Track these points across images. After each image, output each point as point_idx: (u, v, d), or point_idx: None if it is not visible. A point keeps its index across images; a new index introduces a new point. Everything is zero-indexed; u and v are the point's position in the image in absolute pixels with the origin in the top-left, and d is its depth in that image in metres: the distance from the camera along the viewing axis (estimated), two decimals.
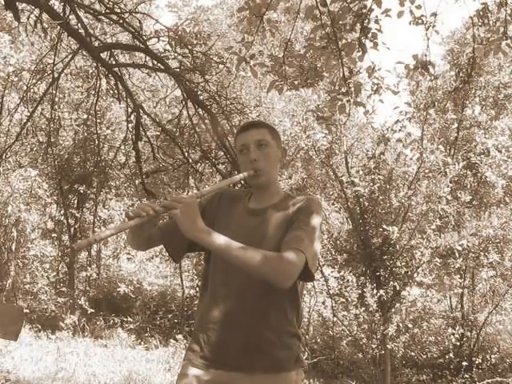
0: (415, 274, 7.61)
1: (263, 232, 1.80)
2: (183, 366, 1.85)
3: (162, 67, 4.98)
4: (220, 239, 1.64)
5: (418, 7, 3.82)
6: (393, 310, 7.83)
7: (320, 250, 1.84)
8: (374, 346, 8.17)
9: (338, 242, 8.12)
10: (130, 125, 5.64)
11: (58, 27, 4.84)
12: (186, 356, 1.87)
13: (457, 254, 7.45)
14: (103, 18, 5.38)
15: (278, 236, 1.76)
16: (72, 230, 9.74)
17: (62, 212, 9.76)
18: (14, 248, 9.15)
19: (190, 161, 6.73)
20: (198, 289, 10.07)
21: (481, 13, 3.94)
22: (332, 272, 8.62)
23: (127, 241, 1.94)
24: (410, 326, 8.22)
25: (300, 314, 1.85)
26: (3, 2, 4.33)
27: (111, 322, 9.22)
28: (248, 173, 1.85)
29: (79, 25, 4.90)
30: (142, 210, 1.64)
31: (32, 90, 5.95)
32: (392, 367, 7.97)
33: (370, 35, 3.67)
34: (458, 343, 8.77)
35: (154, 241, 1.91)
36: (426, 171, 7.62)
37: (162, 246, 1.98)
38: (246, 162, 1.86)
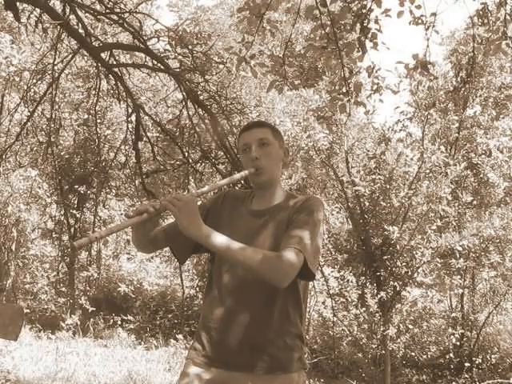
0: (415, 274, 7.61)
1: (265, 233, 1.80)
2: (185, 365, 1.85)
3: (162, 67, 4.98)
4: (219, 238, 1.64)
5: (418, 7, 3.82)
6: (393, 311, 7.83)
7: (321, 249, 1.83)
8: (374, 346, 8.17)
9: (338, 241, 8.12)
10: (130, 125, 5.65)
11: (58, 27, 4.84)
12: (188, 355, 1.87)
13: (457, 255, 7.44)
14: (103, 17, 5.38)
15: (279, 236, 1.75)
16: (72, 229, 9.75)
17: (62, 212, 9.76)
18: (14, 248, 9.16)
19: (190, 161, 6.73)
20: (198, 289, 10.09)
21: (481, 13, 3.94)
22: (332, 272, 8.62)
23: (133, 243, 1.95)
24: (411, 326, 8.22)
25: (303, 314, 1.84)
26: (3, 2, 4.33)
27: (111, 321, 9.22)
28: (249, 171, 1.85)
29: (79, 25, 4.90)
30: (142, 208, 1.65)
31: (32, 90, 5.96)
32: (392, 367, 7.97)
33: (369, 35, 3.66)
34: (458, 343, 8.77)
35: (159, 242, 1.91)
36: (427, 171, 7.62)
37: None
38: (247, 160, 1.87)
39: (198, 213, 1.65)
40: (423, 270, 7.75)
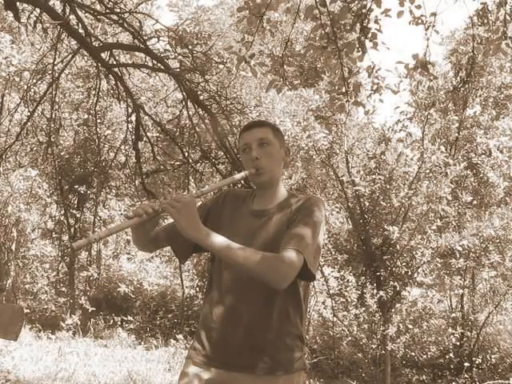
0: (415, 274, 7.61)
1: (266, 233, 1.79)
2: (185, 365, 1.85)
3: (162, 67, 4.98)
4: (218, 239, 1.63)
5: (418, 7, 3.82)
6: (393, 311, 7.83)
7: (321, 249, 1.83)
8: (374, 346, 8.17)
9: (338, 241, 8.12)
10: (130, 125, 5.65)
11: (58, 27, 4.84)
12: (188, 354, 1.87)
13: (457, 255, 7.44)
14: (103, 17, 5.38)
15: (280, 236, 1.74)
16: (72, 229, 9.75)
17: (62, 212, 9.76)
18: (14, 248, 9.16)
19: (190, 161, 6.74)
20: (198, 289, 10.09)
21: (480, 13, 3.94)
22: (332, 272, 8.62)
23: (133, 243, 1.94)
24: (411, 326, 8.22)
25: (304, 315, 1.84)
26: (3, 2, 4.33)
27: (111, 321, 9.22)
28: (249, 171, 1.84)
29: (79, 25, 4.90)
30: (141, 209, 1.65)
31: (32, 90, 5.96)
32: (392, 367, 7.97)
33: (369, 35, 3.66)
34: (458, 343, 8.77)
35: (160, 242, 1.91)
36: (427, 171, 7.62)
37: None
38: (248, 160, 1.86)
39: (197, 214, 1.65)
40: (423, 270, 7.75)
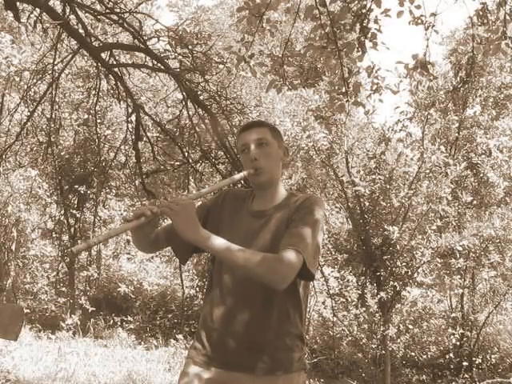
0: (415, 274, 7.62)
1: (266, 234, 1.79)
2: (185, 364, 1.85)
3: (162, 67, 4.98)
4: (217, 241, 1.64)
5: (418, 7, 3.82)
6: (393, 311, 7.83)
7: (321, 249, 1.82)
8: (374, 346, 8.17)
9: (338, 241, 8.12)
10: (130, 125, 5.64)
11: (58, 27, 4.84)
12: (188, 354, 1.88)
13: (457, 255, 7.45)
14: (103, 17, 5.38)
15: (279, 237, 1.74)
16: (72, 229, 9.75)
17: (62, 212, 9.76)
18: (14, 248, 9.17)
19: (190, 161, 6.74)
20: (198, 289, 10.09)
21: (480, 13, 3.94)
22: (332, 272, 8.63)
23: (133, 244, 1.95)
24: (411, 326, 8.23)
25: (304, 315, 1.84)
26: (3, 2, 4.34)
27: (111, 322, 9.22)
28: (248, 171, 1.84)
29: (79, 25, 4.90)
30: (139, 212, 1.65)
31: (32, 90, 5.96)
32: (392, 367, 7.97)
33: (369, 35, 3.66)
34: (458, 343, 8.77)
35: (160, 243, 1.91)
36: (427, 171, 7.62)
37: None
38: (246, 161, 1.86)
39: (196, 216, 1.65)
40: (423, 270, 7.75)
